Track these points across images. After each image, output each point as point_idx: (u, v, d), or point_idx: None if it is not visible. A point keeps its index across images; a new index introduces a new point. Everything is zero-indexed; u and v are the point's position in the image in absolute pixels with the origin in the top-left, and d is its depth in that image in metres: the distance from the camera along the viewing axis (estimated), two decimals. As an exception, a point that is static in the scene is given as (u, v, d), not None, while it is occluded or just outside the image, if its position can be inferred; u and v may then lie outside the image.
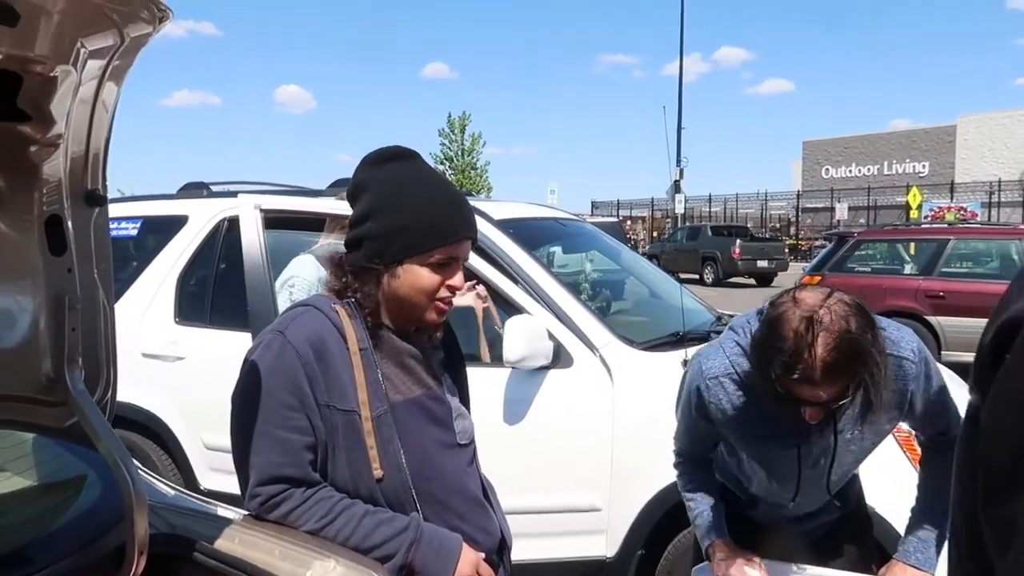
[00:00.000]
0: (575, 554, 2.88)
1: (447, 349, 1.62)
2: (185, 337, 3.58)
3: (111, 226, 4.14)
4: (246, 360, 1.41)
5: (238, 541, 1.33)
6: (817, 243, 31.39)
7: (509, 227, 3.28)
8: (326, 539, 1.33)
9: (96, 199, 1.34)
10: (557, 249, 4.28)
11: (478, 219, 3.18)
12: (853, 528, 2.05)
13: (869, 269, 9.13)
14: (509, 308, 3.04)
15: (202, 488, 3.50)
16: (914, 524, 1.85)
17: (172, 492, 1.59)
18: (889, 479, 2.37)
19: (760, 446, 1.81)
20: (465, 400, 1.67)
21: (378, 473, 1.38)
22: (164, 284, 3.73)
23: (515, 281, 3.07)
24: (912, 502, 1.89)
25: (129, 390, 3.58)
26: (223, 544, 1.33)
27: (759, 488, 1.96)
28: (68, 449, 1.48)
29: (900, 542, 1.86)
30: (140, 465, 1.70)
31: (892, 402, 1.73)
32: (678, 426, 1.98)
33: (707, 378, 1.77)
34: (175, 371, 3.54)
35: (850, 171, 36.51)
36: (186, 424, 3.52)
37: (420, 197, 1.41)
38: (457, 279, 1.43)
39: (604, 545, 2.85)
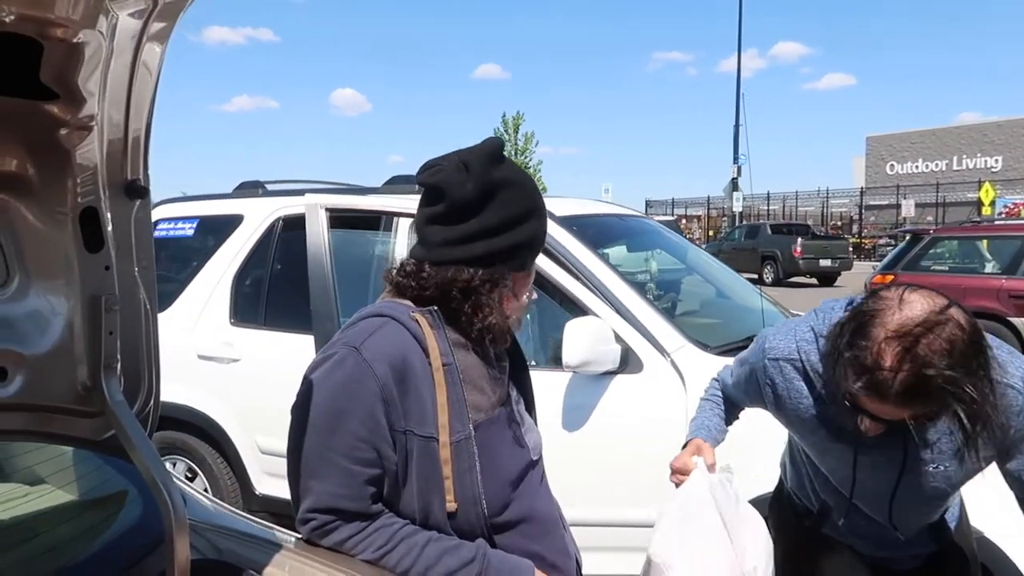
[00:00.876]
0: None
1: (511, 357, 1.46)
2: (240, 339, 3.51)
3: (167, 227, 4.14)
4: (312, 372, 1.25)
5: (288, 569, 1.20)
6: (881, 241, 30.39)
7: (572, 224, 3.11)
8: (384, 569, 1.19)
9: (137, 190, 1.23)
10: (622, 248, 4.09)
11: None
12: (950, 563, 1.81)
13: (946, 268, 8.67)
14: (574, 309, 2.88)
15: (257, 493, 3.42)
16: None
17: (218, 510, 1.47)
18: (997, 496, 2.13)
19: (813, 439, 1.63)
20: (531, 410, 1.52)
21: (451, 506, 1.23)
22: (219, 285, 3.67)
23: (580, 281, 2.90)
24: None
25: (184, 392, 3.55)
26: (272, 572, 1.20)
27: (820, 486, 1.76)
28: (109, 462, 1.36)
29: None
30: (191, 479, 1.60)
31: (990, 438, 1.43)
32: (731, 366, 1.86)
33: (768, 358, 1.61)
34: (230, 373, 3.47)
35: (916, 167, 35.27)
36: (241, 427, 3.45)
37: (530, 208, 1.30)
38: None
39: (677, 564, 2.65)
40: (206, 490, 3.55)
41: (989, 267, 8.41)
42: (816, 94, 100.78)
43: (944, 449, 1.50)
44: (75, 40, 0.86)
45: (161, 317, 3.74)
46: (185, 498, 1.42)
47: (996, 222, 10.72)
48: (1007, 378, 1.41)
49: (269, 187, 3.99)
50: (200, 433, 3.54)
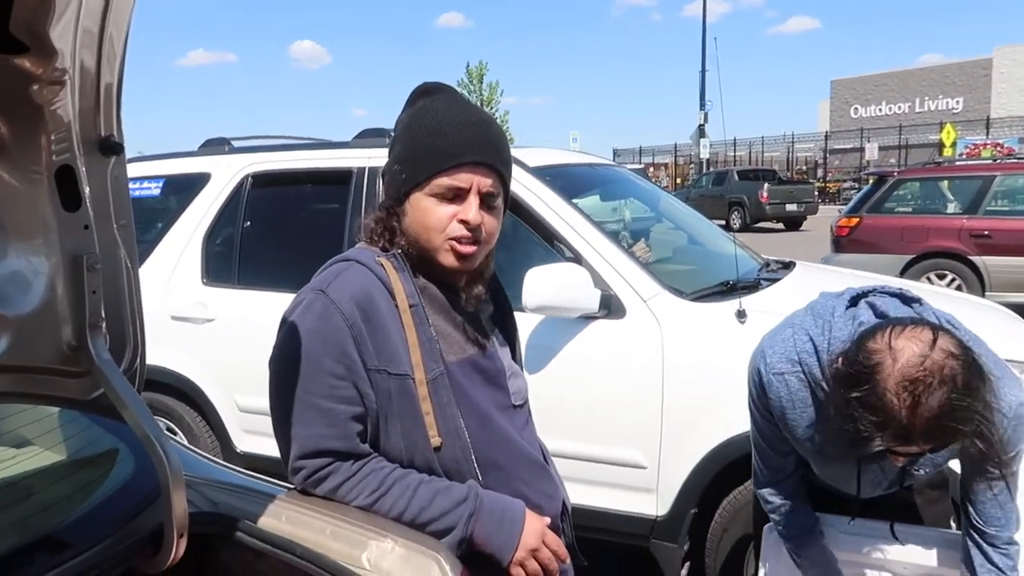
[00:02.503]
0: (622, 508, 2.78)
1: (495, 302, 1.48)
2: (214, 298, 3.48)
3: (132, 186, 4.06)
4: (284, 321, 1.27)
5: (285, 519, 1.22)
6: (846, 185, 30.71)
7: (545, 174, 3.11)
8: (379, 514, 1.22)
9: (112, 147, 1.20)
10: (594, 196, 4.10)
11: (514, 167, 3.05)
12: (929, 486, 1.91)
13: (910, 209, 8.81)
14: (553, 257, 2.90)
15: (238, 451, 3.44)
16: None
17: (211, 464, 1.48)
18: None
19: (817, 451, 1.65)
20: (516, 357, 1.54)
21: (436, 441, 1.25)
22: (190, 244, 3.62)
23: (556, 229, 2.92)
24: None
25: (160, 352, 3.51)
26: (268, 522, 1.22)
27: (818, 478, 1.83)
28: (97, 422, 1.37)
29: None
30: (174, 436, 1.61)
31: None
32: (752, 430, 1.77)
33: (771, 372, 1.60)
34: (205, 333, 3.45)
35: (880, 110, 35.54)
36: (219, 386, 3.44)
37: (428, 124, 1.26)
38: (472, 213, 1.25)
39: (654, 504, 2.73)
40: (187, 450, 3.56)
41: (951, 207, 8.58)
42: (781, 38, 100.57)
43: (934, 461, 1.59)
44: (46, -10, 0.84)
45: (132, 278, 3.69)
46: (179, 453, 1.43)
47: (957, 163, 10.88)
48: (997, 403, 1.43)
49: (236, 143, 3.92)
50: (177, 393, 3.53)
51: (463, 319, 1.34)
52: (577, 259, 2.85)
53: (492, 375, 1.37)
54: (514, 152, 3.13)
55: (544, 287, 2.65)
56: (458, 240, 1.26)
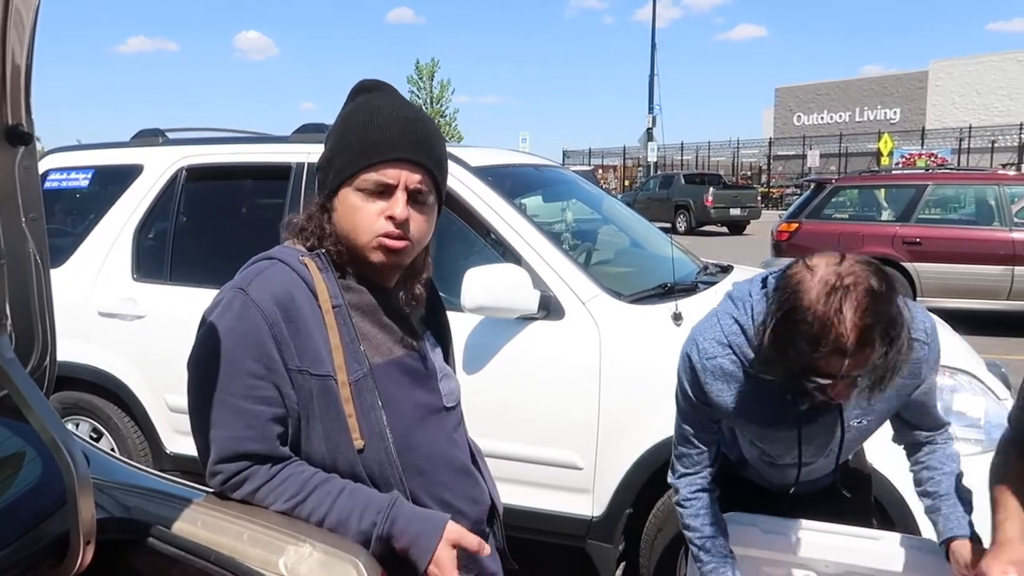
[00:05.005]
0: (559, 508, 2.79)
1: (428, 302, 1.46)
2: (144, 294, 3.38)
3: (58, 177, 3.91)
4: (203, 321, 1.23)
5: (201, 524, 1.18)
6: (788, 190, 31.45)
7: (488, 174, 3.10)
8: (299, 519, 1.19)
9: (20, 136, 1.15)
10: (536, 198, 4.11)
11: (454, 166, 3.04)
12: (852, 484, 1.97)
13: (846, 216, 9.08)
14: (494, 257, 2.89)
15: (168, 452, 3.34)
16: (958, 502, 1.72)
17: (126, 468, 1.43)
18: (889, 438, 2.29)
19: (760, 429, 1.71)
20: (449, 358, 1.52)
21: (359, 444, 1.23)
22: (120, 238, 3.51)
23: (492, 231, 2.91)
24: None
25: (86, 350, 3.40)
26: (183, 527, 1.17)
27: (756, 465, 1.87)
28: (3, 423, 1.30)
29: (950, 525, 1.70)
30: (86, 439, 1.55)
31: (906, 388, 1.64)
32: (678, 420, 1.80)
33: (705, 359, 1.65)
34: (135, 330, 3.35)
35: (822, 118, 36.51)
36: (148, 385, 3.34)
37: (360, 120, 1.25)
38: (398, 209, 1.22)
39: (590, 505, 2.75)
40: (113, 450, 3.45)
41: (885, 215, 8.86)
42: (729, 44, 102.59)
43: (873, 408, 1.66)
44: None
45: (57, 273, 3.58)
46: (88, 456, 1.37)
47: (893, 171, 11.25)
48: (915, 332, 1.52)
49: (170, 135, 3.81)
50: (104, 392, 3.42)
51: (391, 320, 1.32)
52: (517, 260, 2.84)
53: (422, 377, 1.35)
54: (456, 151, 3.14)
55: (483, 288, 2.65)
56: (386, 236, 1.24)
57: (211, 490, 1.25)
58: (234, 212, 3.63)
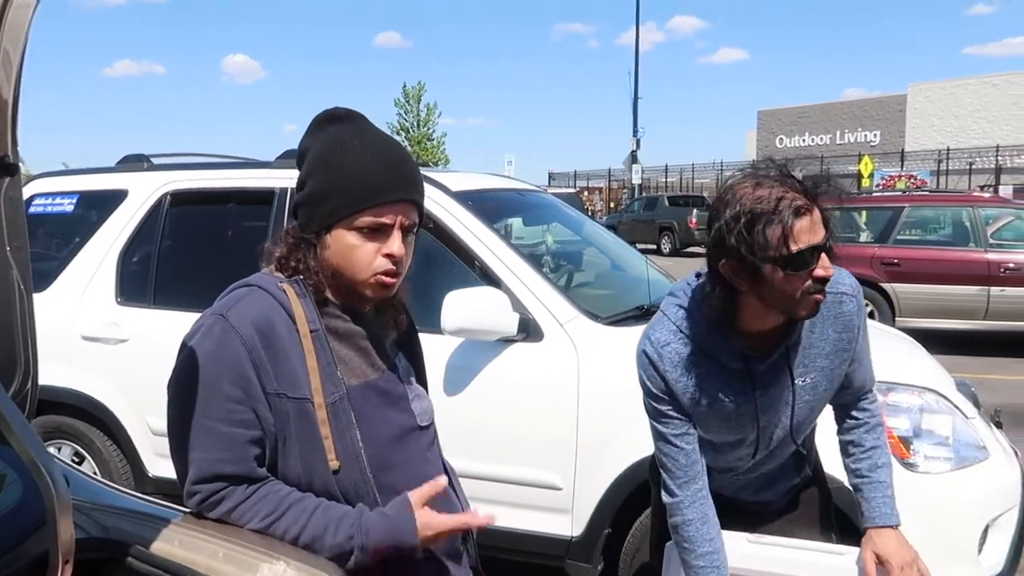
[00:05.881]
0: (538, 528, 2.82)
1: (401, 328, 1.50)
2: (128, 318, 3.40)
3: (43, 202, 3.93)
4: (183, 346, 1.28)
5: (178, 543, 1.21)
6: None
7: (467, 199, 3.16)
8: (274, 537, 1.22)
9: (5, 168, 1.20)
10: (517, 221, 4.17)
11: (435, 191, 3.09)
12: (812, 497, 2.02)
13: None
14: (471, 280, 2.94)
15: (151, 475, 3.35)
16: (876, 484, 1.82)
17: (105, 489, 1.46)
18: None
19: (719, 406, 1.73)
20: (422, 379, 1.57)
21: (334, 464, 1.27)
22: (104, 263, 3.54)
23: (473, 254, 2.96)
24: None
25: (68, 374, 3.42)
26: (161, 547, 1.21)
27: (718, 452, 1.88)
28: (-15, 447, 1.33)
29: (870, 506, 1.81)
30: (67, 461, 1.58)
31: (842, 342, 1.73)
32: (655, 431, 1.79)
33: (659, 347, 1.68)
34: (118, 354, 3.37)
35: (803, 140, 36.96)
36: (131, 409, 3.36)
37: (349, 157, 1.29)
38: (395, 247, 1.28)
39: (569, 525, 2.78)
40: (95, 474, 3.45)
41: (864, 236, 8.99)
42: (711, 68, 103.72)
43: (816, 364, 1.73)
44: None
45: (41, 297, 3.60)
46: (68, 478, 1.40)
47: (873, 194, 11.42)
48: (840, 287, 1.68)
49: (155, 160, 3.85)
50: (87, 416, 3.43)
51: (365, 344, 1.37)
52: (496, 283, 2.89)
53: (395, 398, 1.40)
54: (437, 176, 3.21)
55: (462, 310, 2.69)
56: (385, 274, 1.29)
57: (188, 510, 1.29)
58: (218, 237, 3.66)
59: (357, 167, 1.27)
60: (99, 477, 1.52)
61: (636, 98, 28.43)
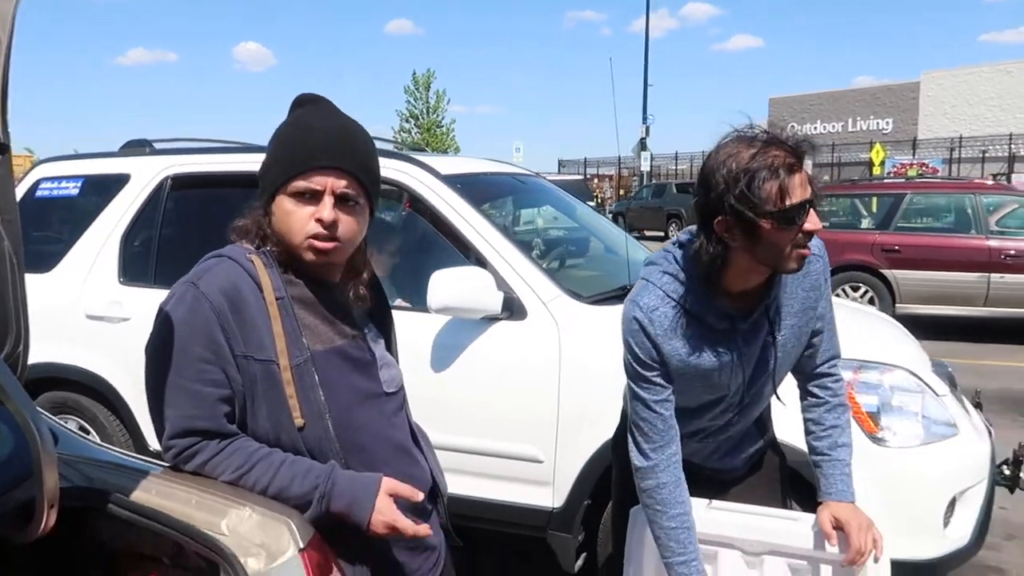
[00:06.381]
0: (520, 500, 2.92)
1: (372, 298, 1.60)
2: (130, 298, 3.52)
3: (49, 186, 4.05)
4: (159, 311, 1.38)
5: (155, 492, 1.31)
6: (782, 200, 31.53)
7: (456, 182, 3.25)
8: (243, 489, 1.33)
9: (-4, 147, 1.29)
10: (528, 210, 4.25)
11: (424, 174, 3.18)
12: (770, 463, 2.12)
13: (828, 224, 9.22)
14: (459, 260, 3.03)
15: (151, 448, 3.47)
16: (835, 462, 1.90)
17: (92, 445, 1.57)
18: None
19: (705, 367, 1.79)
20: (391, 348, 1.66)
21: (299, 422, 1.37)
22: (107, 244, 3.65)
23: (460, 234, 3.06)
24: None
25: (73, 351, 3.54)
26: (139, 496, 1.31)
27: (694, 415, 1.93)
28: (-19, 405, 1.44)
29: (828, 481, 1.90)
30: (54, 419, 1.69)
31: (809, 300, 1.84)
32: (631, 394, 1.83)
33: (648, 312, 1.73)
34: (120, 332, 3.48)
35: (815, 128, 36.69)
36: (133, 385, 3.48)
37: (294, 131, 1.40)
38: (325, 213, 1.36)
39: (550, 496, 2.88)
40: (99, 448, 3.58)
41: (865, 223, 9.02)
42: (724, 55, 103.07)
43: (787, 323, 1.83)
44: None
45: (47, 278, 3.72)
46: (58, 435, 1.52)
47: (873, 181, 11.41)
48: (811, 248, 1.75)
49: (157, 145, 3.96)
50: (91, 392, 3.56)
51: (333, 312, 1.46)
52: (482, 263, 2.99)
53: (362, 364, 1.49)
54: (427, 160, 3.30)
55: (448, 289, 2.78)
56: (316, 237, 1.38)
57: (166, 464, 1.39)
58: (216, 219, 3.74)
59: (297, 138, 1.38)
60: (89, 437, 1.62)
61: (646, 85, 28.35)
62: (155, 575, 1.28)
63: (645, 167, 28.23)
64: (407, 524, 1.37)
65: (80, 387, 3.56)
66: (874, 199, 9.19)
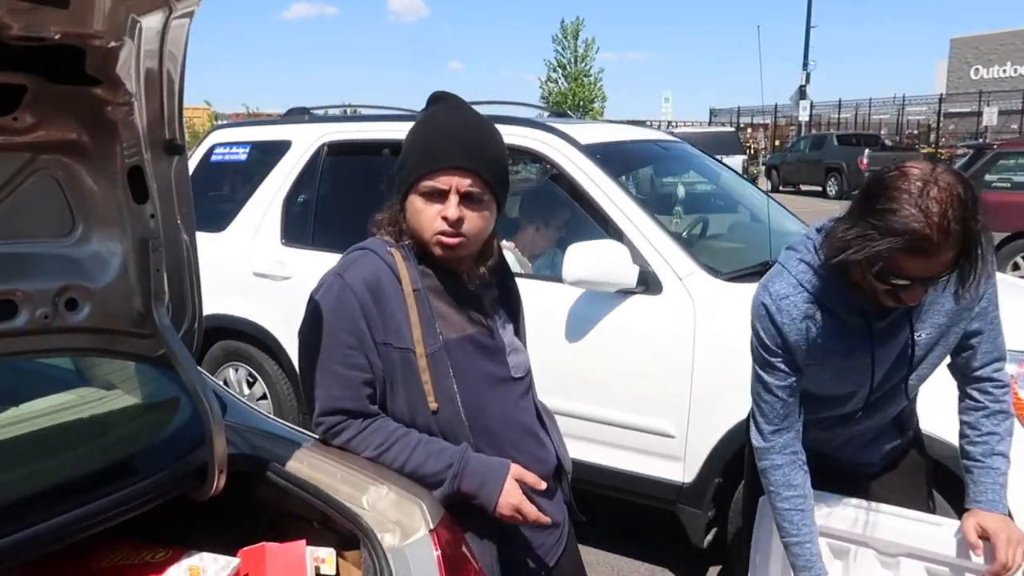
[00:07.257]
0: (651, 472, 2.95)
1: (503, 286, 1.67)
2: (291, 258, 3.80)
3: (223, 151, 4.41)
4: (310, 299, 1.51)
5: (306, 464, 1.46)
6: (959, 151, 28.92)
7: (596, 151, 3.24)
8: (383, 465, 1.45)
9: (174, 148, 1.44)
10: (650, 172, 4.18)
11: (563, 144, 3.20)
12: (913, 464, 2.02)
13: (1009, 185, 8.39)
14: (597, 233, 3.05)
15: (308, 398, 3.78)
16: (988, 470, 1.79)
17: (256, 415, 1.75)
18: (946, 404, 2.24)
19: (835, 360, 1.74)
20: (520, 334, 1.72)
21: (433, 406, 1.47)
22: (271, 207, 3.95)
23: (597, 206, 3.06)
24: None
25: (243, 305, 3.89)
26: (293, 465, 1.47)
27: (823, 405, 1.88)
28: (165, 374, 1.65)
29: (978, 489, 1.80)
30: (224, 387, 1.89)
31: (966, 303, 1.71)
32: (756, 376, 1.83)
33: (777, 299, 1.70)
34: (282, 289, 3.78)
35: (1004, 71, 33.06)
36: (292, 338, 3.75)
37: (424, 131, 1.47)
38: (450, 211, 1.42)
39: (681, 471, 2.90)
40: (265, 395, 3.94)
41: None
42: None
43: (934, 322, 1.72)
44: (108, 46, 1.07)
45: (219, 236, 4.07)
46: (227, 404, 1.71)
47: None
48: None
49: (315, 112, 4.21)
50: (258, 343, 3.90)
51: (465, 302, 1.54)
52: (619, 236, 2.99)
53: (491, 351, 1.57)
54: (567, 129, 3.31)
55: (584, 262, 2.82)
56: (442, 234, 1.46)
57: (316, 436, 1.54)
58: (369, 184, 3.97)
59: (427, 138, 1.46)
60: (252, 405, 1.82)
61: (808, 27, 26.54)
62: (311, 538, 1.43)
63: (804, 117, 26.61)
64: (531, 509, 1.45)
65: (249, 338, 3.92)
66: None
